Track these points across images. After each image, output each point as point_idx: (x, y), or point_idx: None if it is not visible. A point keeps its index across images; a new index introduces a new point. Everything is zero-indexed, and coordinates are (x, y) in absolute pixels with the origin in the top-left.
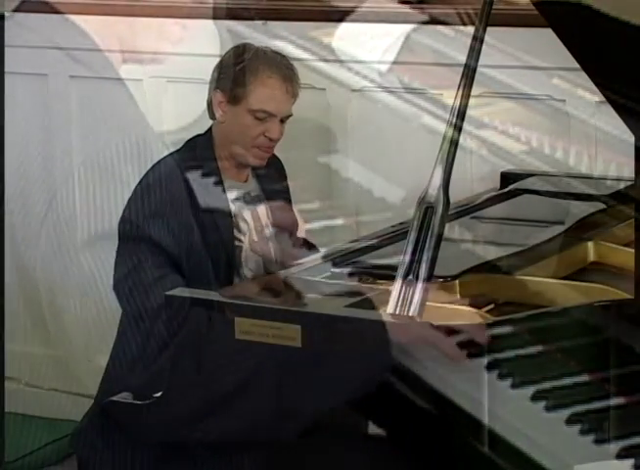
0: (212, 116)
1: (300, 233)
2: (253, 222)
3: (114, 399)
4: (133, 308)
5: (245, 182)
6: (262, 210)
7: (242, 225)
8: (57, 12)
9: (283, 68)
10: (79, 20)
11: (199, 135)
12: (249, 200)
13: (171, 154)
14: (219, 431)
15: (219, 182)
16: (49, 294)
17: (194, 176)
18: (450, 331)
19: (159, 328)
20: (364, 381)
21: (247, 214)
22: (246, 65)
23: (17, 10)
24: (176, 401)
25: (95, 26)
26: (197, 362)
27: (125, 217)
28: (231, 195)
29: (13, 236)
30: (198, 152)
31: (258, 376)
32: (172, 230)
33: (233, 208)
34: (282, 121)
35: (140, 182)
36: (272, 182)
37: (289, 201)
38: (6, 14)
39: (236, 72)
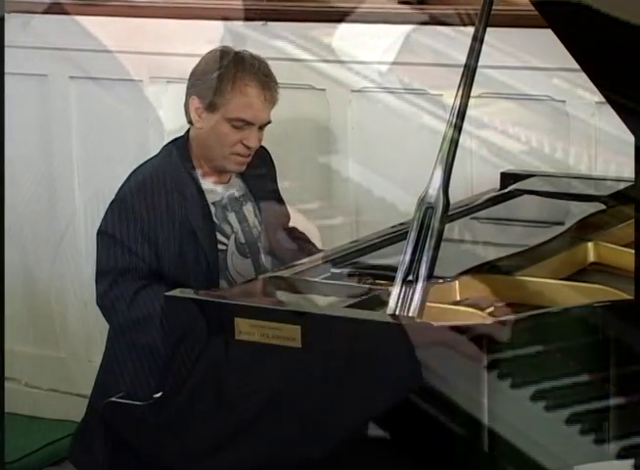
0: (190, 120)
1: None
2: (240, 223)
3: (114, 399)
4: (119, 321)
5: (227, 183)
6: (249, 208)
7: (225, 228)
8: (54, 12)
9: (261, 75)
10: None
11: (176, 139)
12: (232, 201)
13: (148, 161)
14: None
15: (197, 187)
16: (50, 294)
17: (171, 183)
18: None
19: (144, 340)
20: (393, 394)
21: (231, 216)
22: (223, 72)
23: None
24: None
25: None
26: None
27: (103, 228)
28: (212, 198)
29: (14, 236)
30: (175, 157)
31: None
32: (151, 239)
33: (214, 211)
34: (260, 128)
35: (118, 192)
36: (259, 177)
37: (278, 193)
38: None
39: (213, 79)
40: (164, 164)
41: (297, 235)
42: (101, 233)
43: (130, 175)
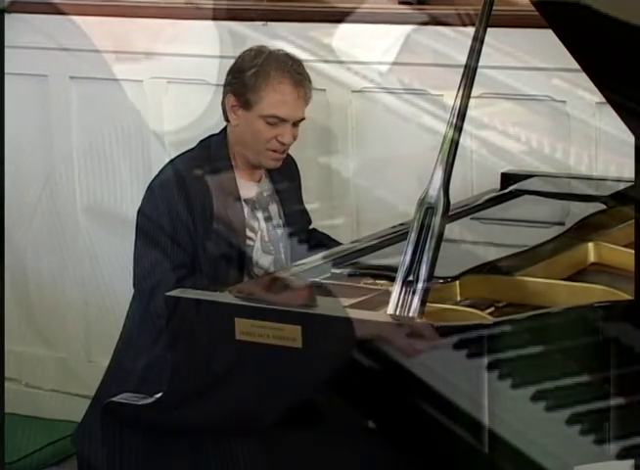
0: (226, 118)
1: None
2: (265, 222)
3: (115, 399)
4: (156, 310)
5: (258, 182)
6: (275, 209)
7: (254, 224)
8: (54, 13)
9: (294, 73)
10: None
11: (213, 135)
12: (261, 199)
13: (185, 152)
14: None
15: (233, 182)
16: (50, 294)
17: (208, 176)
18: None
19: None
20: (393, 393)
21: (259, 214)
22: (257, 70)
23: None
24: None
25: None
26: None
27: (142, 213)
28: (244, 194)
29: (13, 236)
30: (212, 152)
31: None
32: (187, 228)
33: (246, 207)
34: (295, 125)
35: (154, 179)
36: (285, 181)
37: (301, 199)
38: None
39: (247, 78)
40: (202, 157)
41: (318, 235)
42: (140, 216)
43: (166, 165)
